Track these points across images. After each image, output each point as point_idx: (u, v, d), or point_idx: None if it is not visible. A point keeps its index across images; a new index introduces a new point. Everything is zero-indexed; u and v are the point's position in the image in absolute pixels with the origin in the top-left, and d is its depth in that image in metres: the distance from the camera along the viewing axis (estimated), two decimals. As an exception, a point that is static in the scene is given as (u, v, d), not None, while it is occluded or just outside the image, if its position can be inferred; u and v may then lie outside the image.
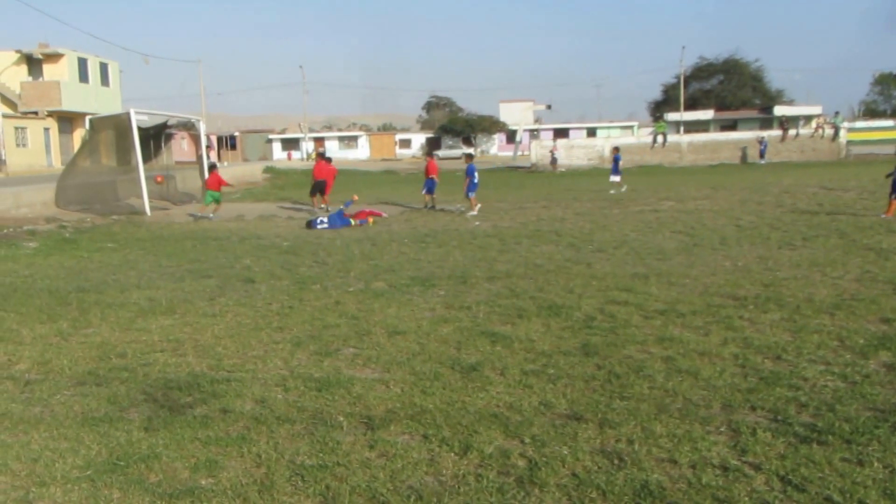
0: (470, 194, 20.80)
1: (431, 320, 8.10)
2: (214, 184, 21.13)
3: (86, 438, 4.97)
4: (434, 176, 22.84)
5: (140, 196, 23.13)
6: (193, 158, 38.82)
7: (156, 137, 26.53)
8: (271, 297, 9.57)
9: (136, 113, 23.44)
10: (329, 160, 23.32)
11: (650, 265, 11.37)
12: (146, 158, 24.15)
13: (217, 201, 21.11)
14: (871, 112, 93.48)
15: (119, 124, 24.93)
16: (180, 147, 59.88)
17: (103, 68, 53.52)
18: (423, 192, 23.00)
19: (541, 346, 7.00)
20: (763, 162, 44.72)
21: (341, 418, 5.21)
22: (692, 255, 12.18)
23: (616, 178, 27.93)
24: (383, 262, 12.28)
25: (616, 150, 29.89)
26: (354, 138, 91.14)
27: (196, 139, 38.13)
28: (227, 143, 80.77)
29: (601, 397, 5.59)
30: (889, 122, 66.14)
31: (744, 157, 47.11)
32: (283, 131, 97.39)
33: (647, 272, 10.74)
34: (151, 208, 22.92)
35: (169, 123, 28.61)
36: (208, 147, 37.31)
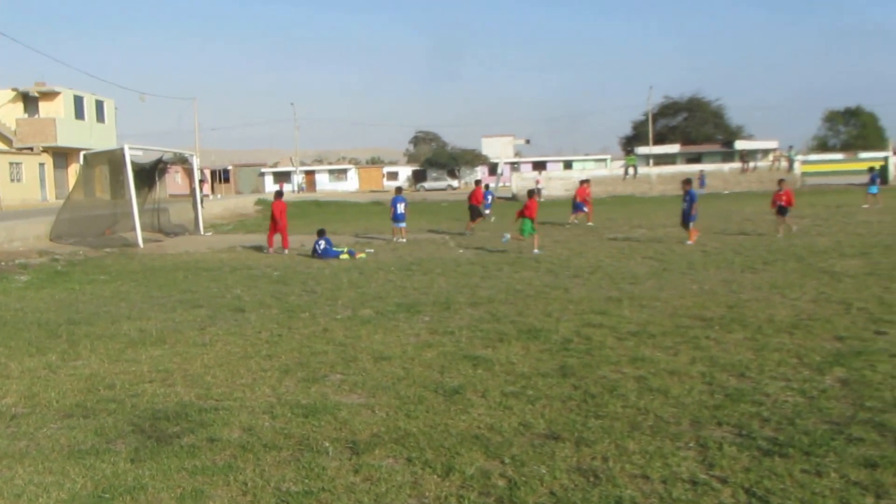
0: (398, 225, 21.53)
1: (416, 345, 8.06)
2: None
3: (71, 472, 4.76)
4: (476, 203, 23.64)
5: (133, 229, 22.82)
6: (187, 191, 38.59)
7: (150, 172, 26.33)
8: (261, 325, 9.48)
9: (130, 148, 23.25)
10: (280, 195, 22.17)
11: (623, 289, 11.39)
12: (140, 192, 23.90)
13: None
14: (822, 146, 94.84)
15: (113, 159, 24.74)
16: (174, 180, 59.62)
17: (99, 105, 53.20)
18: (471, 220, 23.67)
19: (520, 369, 6.97)
20: (702, 191, 45.06)
21: (327, 444, 5.13)
22: (662, 280, 12.23)
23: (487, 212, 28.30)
24: (370, 290, 12.22)
25: (486, 186, 29.07)
26: (344, 171, 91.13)
27: (190, 173, 38.00)
28: (221, 176, 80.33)
29: (577, 417, 5.56)
30: (838, 156, 67.17)
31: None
32: (275, 165, 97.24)
33: (620, 296, 10.76)
34: (145, 240, 22.65)
35: (164, 159, 28.45)
36: (201, 181, 37.18)
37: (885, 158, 48.90)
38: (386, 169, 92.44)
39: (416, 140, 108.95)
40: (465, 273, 13.94)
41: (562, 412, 5.68)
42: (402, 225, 21.71)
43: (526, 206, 17.99)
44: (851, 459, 4.58)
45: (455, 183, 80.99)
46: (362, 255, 17.70)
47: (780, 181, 19.63)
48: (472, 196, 24.29)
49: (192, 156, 31.63)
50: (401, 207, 21.57)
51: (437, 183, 79.28)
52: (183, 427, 5.58)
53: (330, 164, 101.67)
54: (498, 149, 78.64)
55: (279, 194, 21.60)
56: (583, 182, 27.38)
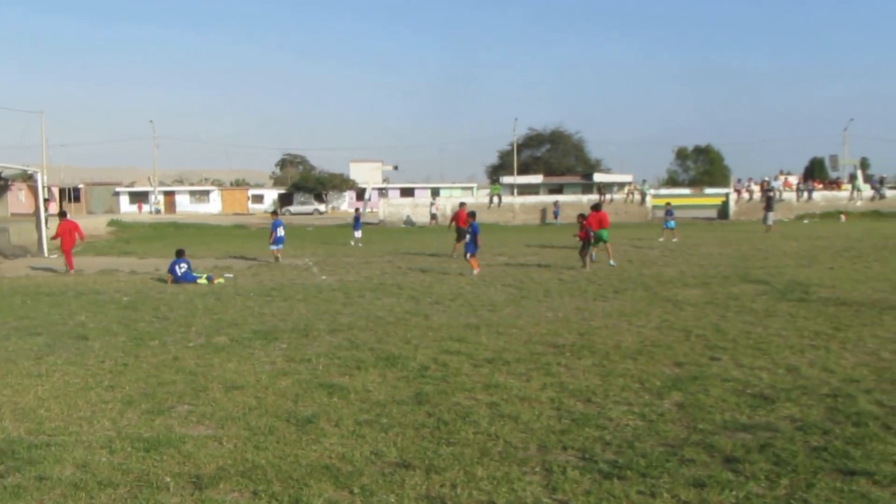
0: (273, 247, 22.15)
1: (271, 374, 7.86)
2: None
3: None
4: (463, 225, 23.23)
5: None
6: (31, 211, 36.20)
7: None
8: (105, 354, 8.97)
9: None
10: (64, 214, 21.75)
11: (482, 316, 11.60)
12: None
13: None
14: (672, 181, 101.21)
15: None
16: (17, 199, 55.85)
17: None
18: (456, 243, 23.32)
19: (376, 396, 6.93)
20: (557, 223, 46.95)
21: (168, 479, 4.90)
22: (519, 307, 12.54)
23: (357, 234, 31.06)
24: (227, 317, 11.85)
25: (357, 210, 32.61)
26: (206, 193, 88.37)
27: (35, 191, 35.68)
28: (70, 195, 75.90)
29: (429, 444, 5.58)
30: (687, 191, 71.83)
31: (543, 218, 49.91)
32: (131, 184, 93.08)
33: (478, 323, 10.95)
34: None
35: (3, 175, 26.62)
36: (47, 200, 34.96)
37: (727, 195, 52.39)
38: (251, 191, 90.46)
39: (283, 163, 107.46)
40: (326, 299, 13.78)
41: (414, 440, 5.69)
42: (280, 247, 22.32)
43: (591, 222, 19.17)
44: (683, 480, 4.83)
45: (322, 207, 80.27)
46: (220, 280, 17.16)
47: (580, 215, 20.05)
48: (457, 218, 24.49)
49: (36, 172, 29.69)
50: (280, 231, 22.20)
51: (303, 207, 78.26)
52: (8, 465, 5.18)
53: (191, 184, 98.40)
54: (366, 174, 78.75)
55: (63, 214, 21.60)
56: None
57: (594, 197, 52.38)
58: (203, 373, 7.93)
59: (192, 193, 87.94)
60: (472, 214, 19.56)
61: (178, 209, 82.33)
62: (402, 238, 35.79)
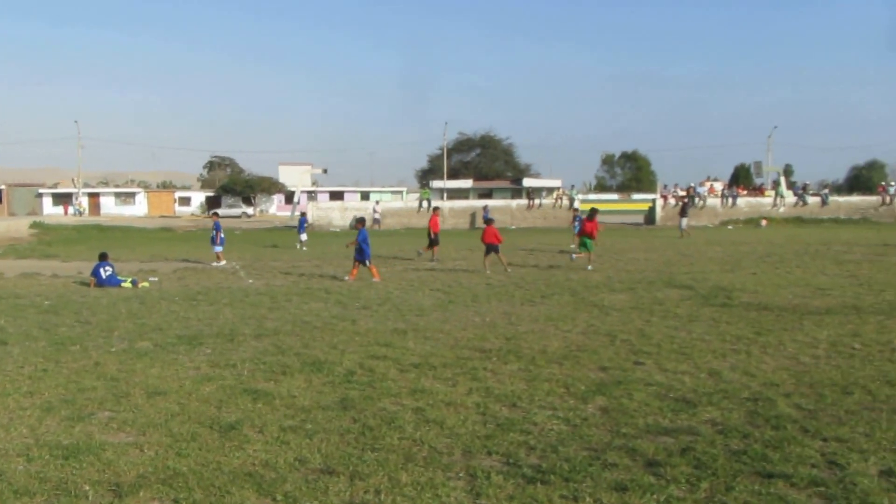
0: (217, 249, 22.45)
1: (194, 379, 7.73)
2: None
3: None
4: (436, 231, 24.43)
5: None
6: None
7: None
8: (24, 359, 8.67)
9: None
10: None
11: (409, 321, 11.63)
12: None
13: None
14: (600, 186, 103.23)
15: None
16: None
17: None
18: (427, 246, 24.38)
19: (301, 402, 6.89)
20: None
21: (87, 487, 4.78)
22: (447, 312, 12.62)
23: (303, 237, 31.55)
24: (151, 321, 11.58)
25: (302, 213, 35.04)
26: (132, 195, 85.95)
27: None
28: (-10, 196, 73.00)
29: (354, 450, 5.58)
30: (614, 196, 73.36)
31: (472, 222, 50.14)
32: (55, 185, 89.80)
33: (406, 327, 10.97)
34: None
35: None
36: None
37: (653, 200, 53.69)
38: (178, 194, 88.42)
39: (211, 165, 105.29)
40: (252, 304, 13.59)
41: (339, 446, 5.68)
42: (220, 249, 22.61)
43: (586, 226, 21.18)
44: (605, 484, 4.94)
45: (251, 210, 79.00)
46: (145, 284, 16.75)
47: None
48: (431, 223, 25.00)
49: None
50: (220, 233, 22.61)
51: (231, 210, 76.89)
52: (-85, 476, 4.96)
53: (117, 186, 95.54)
54: (295, 177, 77.94)
55: None
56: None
57: (523, 202, 53.05)
58: (125, 378, 7.75)
59: (117, 195, 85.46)
60: (361, 220, 19.30)
61: (102, 211, 79.89)
62: (333, 241, 35.43)
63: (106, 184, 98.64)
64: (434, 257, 23.76)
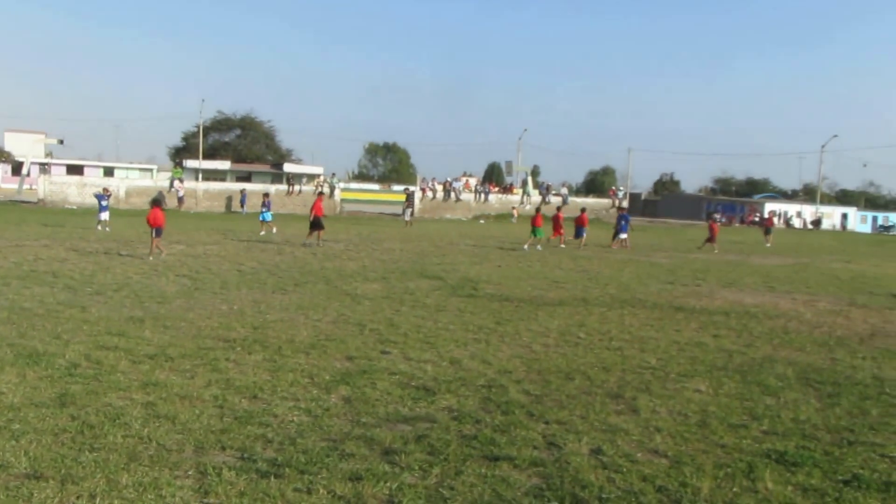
0: None
1: None
2: None
3: None
4: (319, 214, 24.47)
5: None
6: None
7: None
8: None
9: None
10: None
11: (149, 309, 10.90)
12: None
13: None
14: (363, 175, 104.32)
15: None
16: None
17: None
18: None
19: (10, 399, 6.16)
20: (244, 212, 45.97)
21: None
22: (192, 299, 12.00)
23: (104, 217, 28.11)
24: None
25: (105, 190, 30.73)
26: None
27: None
28: None
29: (69, 451, 5.08)
30: (375, 186, 74.47)
31: (228, 206, 48.87)
32: None
33: (143, 316, 10.27)
34: None
35: None
36: None
37: (412, 191, 55.25)
38: None
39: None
40: (-38, 287, 12.00)
41: (51, 447, 5.14)
42: None
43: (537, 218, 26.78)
44: (341, 475, 4.92)
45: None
46: None
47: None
48: (314, 207, 25.02)
49: None
50: None
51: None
52: None
53: None
54: (26, 146, 70.21)
55: None
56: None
57: (283, 188, 52.12)
58: None
59: None
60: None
61: None
62: (77, 221, 32.40)
63: None
64: (318, 241, 24.14)
